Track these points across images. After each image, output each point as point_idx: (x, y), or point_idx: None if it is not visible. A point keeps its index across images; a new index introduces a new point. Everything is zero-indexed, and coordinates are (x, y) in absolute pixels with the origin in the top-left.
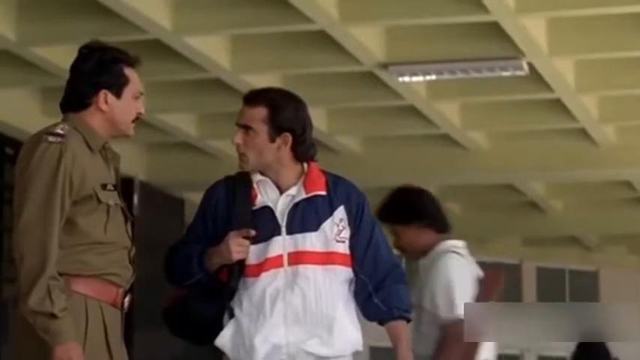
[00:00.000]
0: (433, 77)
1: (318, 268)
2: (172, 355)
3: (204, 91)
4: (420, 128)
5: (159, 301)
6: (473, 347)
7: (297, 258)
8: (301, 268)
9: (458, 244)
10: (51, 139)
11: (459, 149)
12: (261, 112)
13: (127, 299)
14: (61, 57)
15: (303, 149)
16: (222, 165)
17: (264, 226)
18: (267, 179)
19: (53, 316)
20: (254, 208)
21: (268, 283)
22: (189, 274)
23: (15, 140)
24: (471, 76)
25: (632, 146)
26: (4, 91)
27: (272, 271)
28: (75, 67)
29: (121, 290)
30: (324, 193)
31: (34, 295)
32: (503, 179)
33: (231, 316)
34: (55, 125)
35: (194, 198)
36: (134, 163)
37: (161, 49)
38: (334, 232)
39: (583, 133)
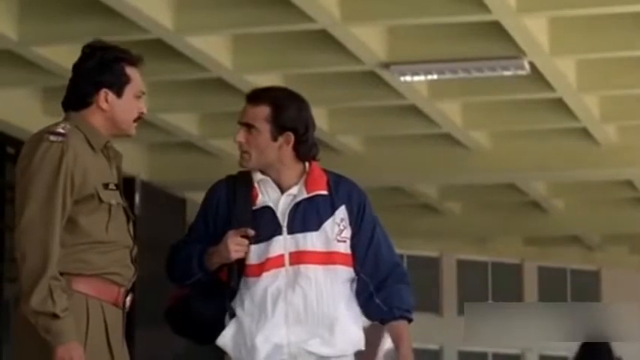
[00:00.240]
0: (435, 77)
1: (319, 267)
2: (174, 355)
3: (206, 90)
4: (421, 128)
5: (160, 301)
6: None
7: (299, 258)
8: (302, 267)
9: None
10: (52, 138)
11: (461, 149)
12: (264, 110)
13: (128, 298)
14: (63, 57)
15: (306, 149)
16: (224, 164)
17: (264, 225)
18: (268, 179)
19: (55, 316)
20: (254, 207)
21: (270, 282)
22: (189, 273)
23: (16, 139)
24: (472, 76)
25: (633, 146)
26: (5, 90)
27: (273, 271)
28: (77, 66)
29: (122, 290)
30: (325, 192)
31: (35, 296)
32: (505, 179)
33: (232, 315)
34: (57, 124)
35: (195, 197)
36: (136, 162)
37: (163, 49)
38: (335, 231)
39: (584, 133)
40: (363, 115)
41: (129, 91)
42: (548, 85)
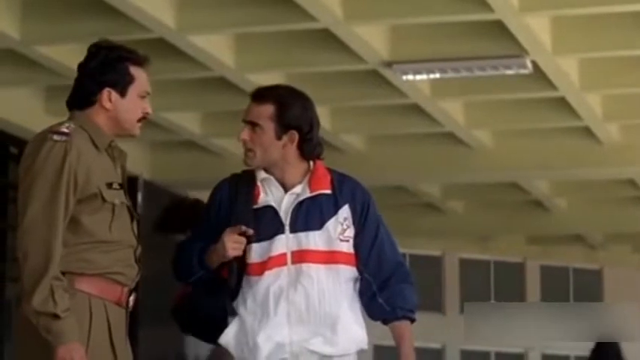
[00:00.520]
0: (437, 75)
1: (321, 267)
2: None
3: (209, 89)
4: (424, 126)
5: (163, 300)
6: None
7: (301, 256)
8: (304, 266)
9: None
10: (56, 137)
11: (463, 147)
12: (268, 109)
13: (132, 298)
14: (65, 56)
15: (310, 147)
16: (227, 163)
17: (267, 224)
18: (272, 177)
19: (56, 316)
20: (256, 206)
21: (272, 281)
22: (190, 271)
23: (18, 139)
24: (474, 75)
25: (636, 145)
26: (7, 89)
27: (275, 270)
28: (82, 65)
29: (125, 289)
30: (328, 191)
31: (37, 296)
32: (507, 177)
33: (235, 314)
34: (61, 124)
35: (198, 196)
36: (138, 161)
37: (165, 48)
38: (338, 231)
39: (587, 132)
40: (366, 114)
41: (133, 90)
42: (550, 84)
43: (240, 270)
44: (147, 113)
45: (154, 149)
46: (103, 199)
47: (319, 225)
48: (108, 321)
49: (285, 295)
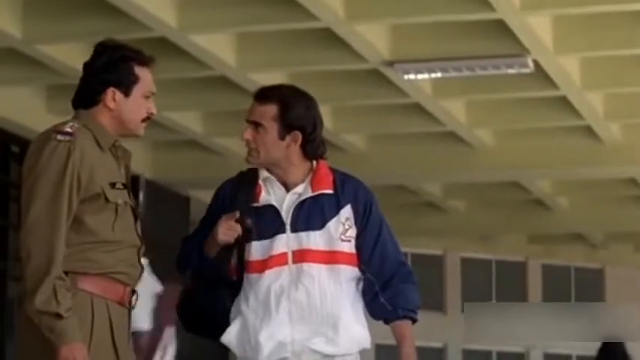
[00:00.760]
0: (439, 75)
1: (323, 267)
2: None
3: (210, 88)
4: (425, 126)
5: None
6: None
7: (301, 256)
8: (305, 266)
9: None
10: (60, 137)
11: (465, 147)
12: (271, 109)
13: (134, 297)
14: (67, 55)
15: (313, 147)
16: (228, 162)
17: (267, 223)
18: (274, 177)
19: (58, 316)
20: (257, 205)
21: (273, 280)
22: (190, 260)
23: (20, 138)
24: (476, 74)
25: (637, 144)
26: (9, 88)
27: (276, 269)
28: (87, 64)
29: (128, 289)
30: (330, 191)
31: (39, 295)
32: (509, 177)
33: (235, 312)
34: (65, 123)
35: (200, 195)
36: (140, 161)
37: (167, 47)
38: (339, 231)
39: (588, 131)
40: (367, 113)
41: (137, 90)
42: (552, 83)
43: (240, 258)
44: (151, 113)
45: (156, 148)
46: (107, 199)
47: (320, 225)
48: (110, 320)
49: (287, 294)
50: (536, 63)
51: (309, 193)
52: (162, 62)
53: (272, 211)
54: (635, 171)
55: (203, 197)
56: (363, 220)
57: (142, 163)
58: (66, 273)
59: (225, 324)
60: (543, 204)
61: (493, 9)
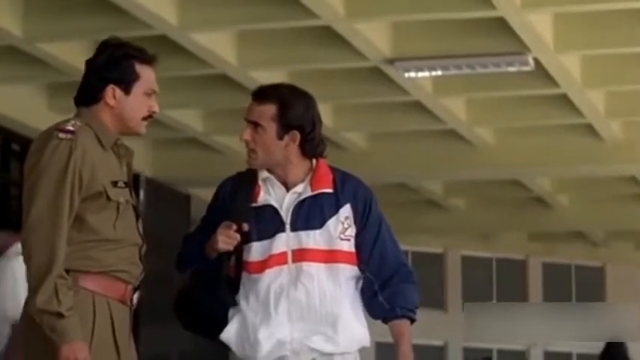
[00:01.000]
0: (439, 73)
1: (322, 266)
2: (180, 352)
3: (211, 87)
4: (425, 124)
5: (165, 297)
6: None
7: (301, 255)
8: (305, 265)
9: None
10: (61, 135)
11: (465, 145)
12: (270, 109)
13: (135, 296)
14: (67, 53)
15: (312, 146)
16: (229, 161)
17: (267, 223)
18: (273, 177)
19: (60, 315)
20: (256, 205)
21: (272, 279)
22: (190, 260)
23: (21, 136)
24: (476, 72)
25: (638, 142)
26: (10, 87)
27: (276, 268)
28: (89, 62)
29: (129, 287)
30: (330, 190)
31: (41, 295)
32: (509, 175)
33: (235, 311)
34: (67, 121)
35: (200, 194)
36: (140, 159)
37: (167, 45)
38: (339, 230)
39: (589, 129)
40: (368, 111)
41: (138, 88)
42: (552, 81)
43: (238, 259)
44: (153, 112)
45: (156, 146)
46: (108, 198)
47: (320, 224)
48: (111, 318)
49: (286, 294)
50: (536, 61)
51: (309, 193)
52: (162, 60)
53: (271, 210)
54: (635, 169)
55: (204, 195)
56: (363, 219)
57: (143, 161)
58: (67, 271)
59: (224, 323)
60: (544, 202)
61: (493, 7)
